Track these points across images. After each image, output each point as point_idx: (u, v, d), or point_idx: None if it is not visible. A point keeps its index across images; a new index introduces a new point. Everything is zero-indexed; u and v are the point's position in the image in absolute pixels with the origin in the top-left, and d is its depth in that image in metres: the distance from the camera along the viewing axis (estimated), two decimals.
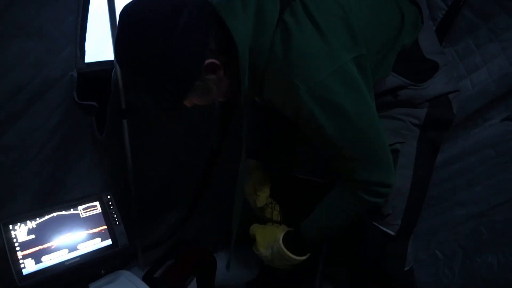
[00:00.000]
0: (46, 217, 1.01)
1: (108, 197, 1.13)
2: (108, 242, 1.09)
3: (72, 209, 1.06)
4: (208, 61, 0.76)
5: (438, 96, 0.96)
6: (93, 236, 1.07)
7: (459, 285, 1.30)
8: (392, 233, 1.00)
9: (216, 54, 0.77)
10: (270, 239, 1.00)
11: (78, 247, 1.04)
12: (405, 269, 1.05)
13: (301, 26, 0.75)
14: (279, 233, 0.99)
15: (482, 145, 1.25)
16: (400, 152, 0.97)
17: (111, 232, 1.10)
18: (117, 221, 1.11)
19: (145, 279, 1.33)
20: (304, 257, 0.97)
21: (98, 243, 1.07)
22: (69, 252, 1.02)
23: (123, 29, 0.74)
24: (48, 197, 1.18)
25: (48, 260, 0.98)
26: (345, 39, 0.77)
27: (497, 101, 1.22)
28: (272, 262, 1.01)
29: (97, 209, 1.10)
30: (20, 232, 0.96)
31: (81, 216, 1.07)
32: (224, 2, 0.77)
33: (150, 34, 0.71)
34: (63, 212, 1.04)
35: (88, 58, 1.12)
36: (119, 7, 1.09)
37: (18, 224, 0.96)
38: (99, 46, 1.20)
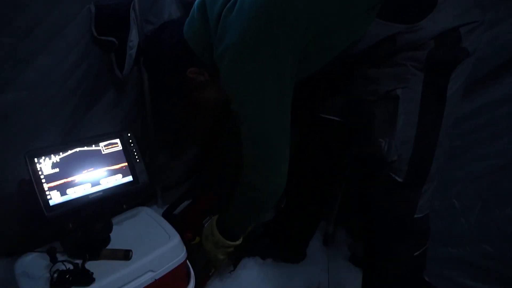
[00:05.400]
0: (69, 152, 1.03)
1: (129, 134, 1.14)
2: (129, 178, 1.12)
3: (94, 145, 1.08)
4: (191, 68, 1.02)
5: (444, 32, 0.87)
6: (115, 172, 1.10)
7: (473, 235, 1.30)
8: (399, 179, 0.99)
9: (196, 62, 1.01)
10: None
11: (100, 182, 1.07)
12: (416, 216, 1.04)
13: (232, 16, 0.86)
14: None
15: None
16: (401, 98, 0.93)
17: (132, 169, 1.12)
18: (137, 158, 1.13)
19: (164, 215, 1.38)
20: (234, 242, 1.14)
21: (119, 179, 1.10)
22: (92, 186, 1.05)
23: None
24: (69, 136, 1.19)
25: (73, 193, 1.01)
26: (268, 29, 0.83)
27: None
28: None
29: (118, 146, 1.12)
30: (45, 165, 0.98)
31: (103, 153, 1.09)
32: (186, 25, 1.00)
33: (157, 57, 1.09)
34: (86, 148, 1.06)
35: None
36: None
37: (43, 157, 0.98)
38: None
